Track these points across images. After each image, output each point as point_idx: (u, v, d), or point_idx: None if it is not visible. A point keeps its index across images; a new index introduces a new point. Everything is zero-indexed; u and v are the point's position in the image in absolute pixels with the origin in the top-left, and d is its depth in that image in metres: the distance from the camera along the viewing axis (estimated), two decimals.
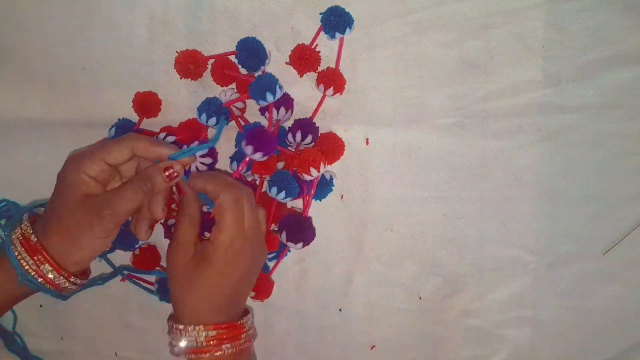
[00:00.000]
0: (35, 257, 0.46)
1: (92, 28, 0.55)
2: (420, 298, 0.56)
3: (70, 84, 0.56)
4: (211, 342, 0.45)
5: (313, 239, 0.54)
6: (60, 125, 0.56)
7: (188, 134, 0.53)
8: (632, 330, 0.55)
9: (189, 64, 0.53)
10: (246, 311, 0.50)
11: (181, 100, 0.55)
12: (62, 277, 0.46)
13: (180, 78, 0.54)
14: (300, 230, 0.52)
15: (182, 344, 0.46)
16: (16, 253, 0.46)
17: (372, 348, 0.57)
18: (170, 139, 0.52)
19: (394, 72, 0.53)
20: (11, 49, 0.56)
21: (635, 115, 0.52)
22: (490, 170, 0.54)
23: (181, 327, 0.46)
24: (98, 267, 0.57)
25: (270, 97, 0.49)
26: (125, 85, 0.55)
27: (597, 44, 0.51)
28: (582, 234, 0.54)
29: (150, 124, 0.55)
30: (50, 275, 0.46)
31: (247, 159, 0.50)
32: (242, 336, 0.47)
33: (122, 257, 0.58)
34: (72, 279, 0.47)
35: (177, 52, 0.53)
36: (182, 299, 0.47)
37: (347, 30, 0.52)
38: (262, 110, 0.53)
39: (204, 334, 0.46)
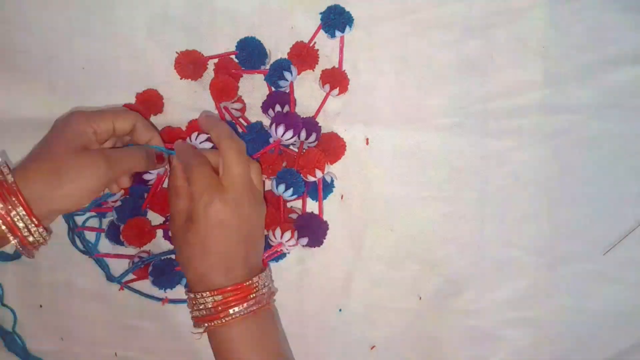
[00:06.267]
0: (8, 200, 0.43)
1: (92, 28, 0.55)
2: (420, 298, 0.56)
3: (70, 84, 0.56)
4: (219, 308, 0.44)
5: (322, 243, 0.53)
6: None
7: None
8: (632, 330, 0.55)
9: (189, 64, 0.53)
10: (260, 269, 0.48)
11: (181, 100, 0.55)
12: (32, 225, 0.44)
13: (180, 78, 0.54)
14: (316, 230, 0.52)
15: (195, 313, 0.46)
16: None
17: (372, 348, 0.57)
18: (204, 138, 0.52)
19: (394, 72, 0.53)
20: (11, 49, 0.56)
21: (635, 115, 0.52)
22: (490, 170, 0.54)
23: (192, 295, 0.46)
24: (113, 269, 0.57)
25: (288, 75, 0.51)
26: (125, 85, 0.55)
27: (597, 44, 0.51)
28: (582, 234, 0.54)
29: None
30: (20, 224, 0.44)
31: (276, 142, 0.51)
32: (252, 296, 0.45)
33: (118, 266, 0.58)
34: (40, 230, 0.44)
35: (177, 52, 0.53)
36: (185, 266, 0.47)
37: (347, 29, 0.52)
38: (265, 108, 0.53)
39: (210, 300, 0.45)
